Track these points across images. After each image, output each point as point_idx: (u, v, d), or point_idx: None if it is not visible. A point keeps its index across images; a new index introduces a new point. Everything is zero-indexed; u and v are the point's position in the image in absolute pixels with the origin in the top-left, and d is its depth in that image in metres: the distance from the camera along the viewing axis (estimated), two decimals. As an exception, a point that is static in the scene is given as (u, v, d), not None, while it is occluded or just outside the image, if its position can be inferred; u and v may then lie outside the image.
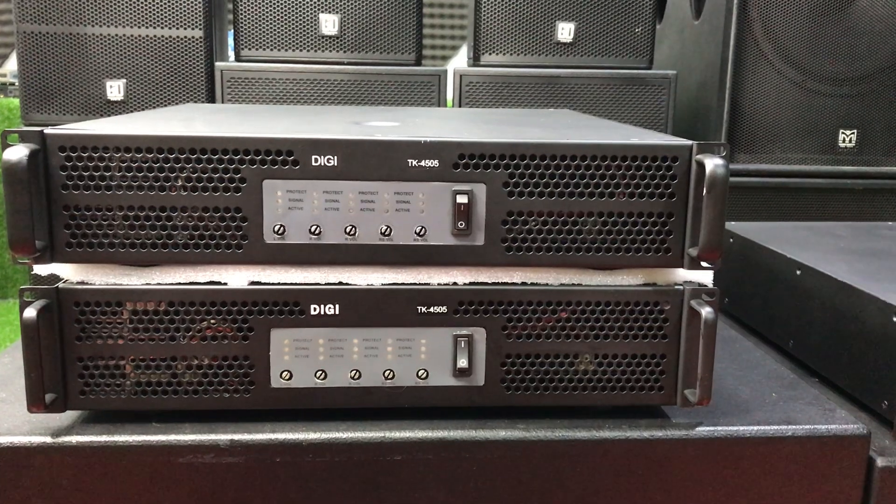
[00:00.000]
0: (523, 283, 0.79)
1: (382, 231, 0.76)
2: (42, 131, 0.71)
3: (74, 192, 0.73)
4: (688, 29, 2.18)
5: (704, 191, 0.74)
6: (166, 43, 1.97)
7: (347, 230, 0.76)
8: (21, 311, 0.72)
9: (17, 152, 0.69)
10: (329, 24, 1.97)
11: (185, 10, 1.96)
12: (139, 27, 1.96)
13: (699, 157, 0.75)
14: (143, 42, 1.96)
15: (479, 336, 0.79)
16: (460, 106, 1.95)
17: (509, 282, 0.79)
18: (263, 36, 1.97)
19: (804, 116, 1.91)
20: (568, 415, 0.82)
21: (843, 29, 1.87)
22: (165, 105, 2.00)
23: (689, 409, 0.83)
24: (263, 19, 1.96)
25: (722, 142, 0.75)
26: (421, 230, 0.76)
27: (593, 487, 0.80)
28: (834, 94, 1.91)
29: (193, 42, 1.98)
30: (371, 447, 0.77)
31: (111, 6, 1.94)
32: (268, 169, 0.74)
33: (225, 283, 0.76)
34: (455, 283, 0.79)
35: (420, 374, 0.79)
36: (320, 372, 0.78)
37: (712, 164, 0.74)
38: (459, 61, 4.42)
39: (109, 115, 1.97)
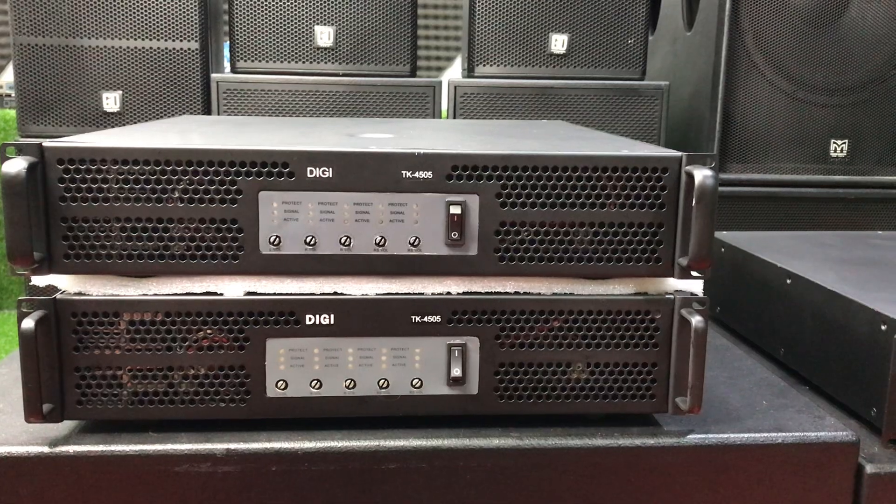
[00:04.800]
0: (516, 293, 0.80)
1: (377, 241, 0.77)
2: (40, 144, 0.72)
3: (72, 204, 0.73)
4: (680, 40, 2.20)
5: (694, 201, 0.75)
6: (162, 55, 1.98)
7: (342, 241, 0.77)
8: (19, 322, 0.72)
9: (16, 165, 0.70)
10: (324, 36, 1.98)
11: (181, 23, 1.97)
12: (135, 39, 1.97)
13: (688, 168, 0.77)
14: (140, 54, 1.97)
15: (473, 345, 0.80)
16: (455, 117, 1.96)
17: (502, 291, 0.80)
18: (259, 48, 1.98)
19: (796, 126, 1.93)
20: (561, 423, 0.83)
21: (833, 39, 1.89)
22: (161, 116, 2.01)
23: (681, 417, 0.84)
24: (259, 31, 1.97)
25: (710, 153, 0.76)
26: (415, 240, 0.77)
27: (586, 495, 0.81)
28: (825, 105, 1.92)
29: (189, 54, 1.99)
30: (366, 455, 0.78)
31: (107, 19, 1.95)
32: (263, 181, 0.75)
33: (221, 294, 0.77)
34: (449, 293, 0.80)
35: (414, 382, 0.80)
36: (315, 381, 0.79)
37: (701, 174, 0.75)
38: (454, 72, 4.44)
39: (106, 127, 1.98)
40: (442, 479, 0.79)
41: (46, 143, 0.72)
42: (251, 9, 1.96)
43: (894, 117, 1.94)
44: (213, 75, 1.95)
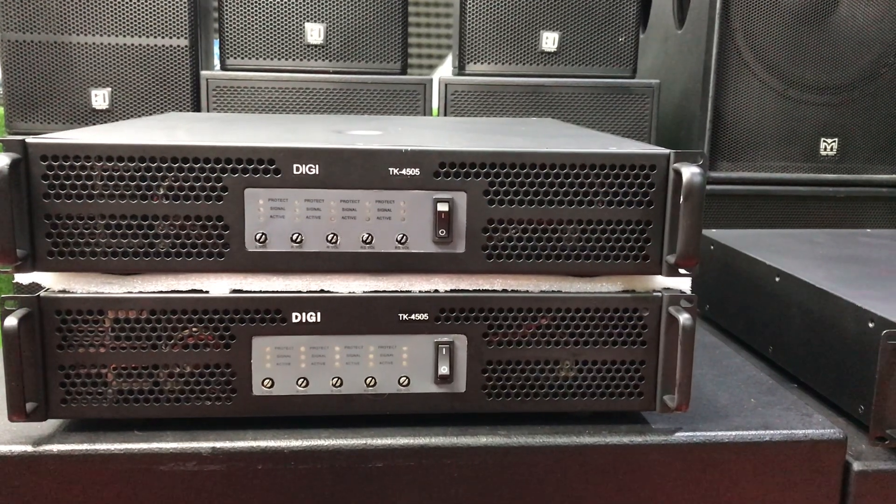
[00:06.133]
0: (504, 291, 0.80)
1: (364, 239, 0.77)
2: (24, 140, 0.71)
3: (56, 201, 0.73)
4: (671, 38, 2.20)
5: (681, 198, 0.75)
6: (152, 52, 1.97)
7: (329, 238, 0.76)
8: (2, 320, 0.72)
9: (-1, 161, 0.69)
10: (315, 33, 1.97)
11: (170, 20, 1.96)
12: (124, 36, 1.95)
13: (676, 165, 0.76)
14: (129, 51, 1.96)
15: (461, 343, 0.79)
16: (446, 115, 1.96)
17: (490, 289, 0.80)
18: (249, 45, 1.97)
19: (786, 125, 1.93)
20: (548, 421, 0.82)
21: (824, 38, 1.89)
22: (151, 114, 2.00)
23: (669, 415, 0.84)
24: (249, 28, 1.96)
25: (699, 150, 0.76)
26: (402, 238, 0.77)
27: (574, 493, 0.80)
28: (815, 103, 1.92)
29: (179, 51, 1.98)
30: (353, 454, 0.78)
31: (96, 15, 1.94)
32: (249, 177, 0.74)
33: (207, 292, 0.77)
34: (436, 291, 0.79)
35: (402, 381, 0.80)
36: (302, 379, 0.79)
37: (689, 172, 0.75)
38: (445, 70, 4.43)
39: (94, 124, 1.96)
40: (429, 478, 0.79)
41: (30, 139, 0.72)
42: (241, 5, 1.95)
43: (884, 115, 1.94)
44: (203, 72, 1.94)
